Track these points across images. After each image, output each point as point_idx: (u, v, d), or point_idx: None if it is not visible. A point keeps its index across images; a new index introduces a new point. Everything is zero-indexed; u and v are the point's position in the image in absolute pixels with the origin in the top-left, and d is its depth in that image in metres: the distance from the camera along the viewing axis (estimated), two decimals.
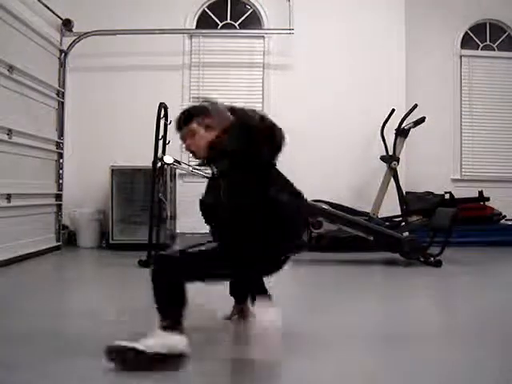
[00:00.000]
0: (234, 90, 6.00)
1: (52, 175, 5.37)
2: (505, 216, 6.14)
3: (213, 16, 6.14)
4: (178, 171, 5.36)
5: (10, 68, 4.30)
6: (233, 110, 2.20)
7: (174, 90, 5.84)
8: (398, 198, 5.04)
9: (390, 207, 5.12)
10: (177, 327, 1.99)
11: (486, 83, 6.68)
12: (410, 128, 4.98)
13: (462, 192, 6.21)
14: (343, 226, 4.58)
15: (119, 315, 2.74)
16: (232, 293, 2.52)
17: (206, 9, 6.12)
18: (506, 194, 6.33)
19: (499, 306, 3.15)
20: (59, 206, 5.42)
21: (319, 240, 4.97)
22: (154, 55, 5.90)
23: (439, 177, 6.34)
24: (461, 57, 6.67)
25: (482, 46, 6.73)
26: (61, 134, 5.44)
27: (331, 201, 5.06)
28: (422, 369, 2.00)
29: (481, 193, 6.26)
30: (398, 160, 5.05)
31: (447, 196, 6.10)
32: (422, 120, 4.91)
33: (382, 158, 5.22)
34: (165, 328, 1.97)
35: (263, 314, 2.13)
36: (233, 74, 6.07)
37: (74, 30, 5.59)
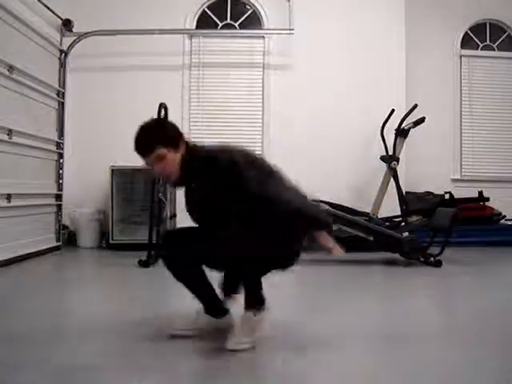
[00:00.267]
0: (233, 91, 6.02)
1: (52, 175, 5.37)
2: (505, 216, 6.14)
3: (213, 16, 6.13)
4: None
5: (10, 68, 4.30)
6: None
7: (173, 90, 5.85)
8: (397, 198, 5.03)
9: (390, 207, 5.12)
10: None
11: (485, 83, 6.69)
12: (409, 128, 4.98)
13: (462, 192, 6.22)
14: (343, 226, 4.58)
15: (119, 315, 2.74)
16: (223, 285, 2.35)
17: (205, 9, 6.12)
18: (506, 194, 6.33)
19: (499, 306, 3.15)
20: (59, 206, 5.43)
21: None
22: (154, 55, 5.90)
23: (439, 177, 6.34)
24: (461, 57, 6.68)
25: (481, 46, 6.73)
26: (61, 134, 5.44)
27: (331, 201, 5.05)
28: (422, 369, 2.00)
29: (481, 193, 6.27)
30: (397, 160, 5.05)
31: (447, 196, 6.11)
32: (421, 120, 4.91)
33: (382, 158, 5.22)
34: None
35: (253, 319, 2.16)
36: (233, 74, 6.07)
37: (74, 30, 5.60)
